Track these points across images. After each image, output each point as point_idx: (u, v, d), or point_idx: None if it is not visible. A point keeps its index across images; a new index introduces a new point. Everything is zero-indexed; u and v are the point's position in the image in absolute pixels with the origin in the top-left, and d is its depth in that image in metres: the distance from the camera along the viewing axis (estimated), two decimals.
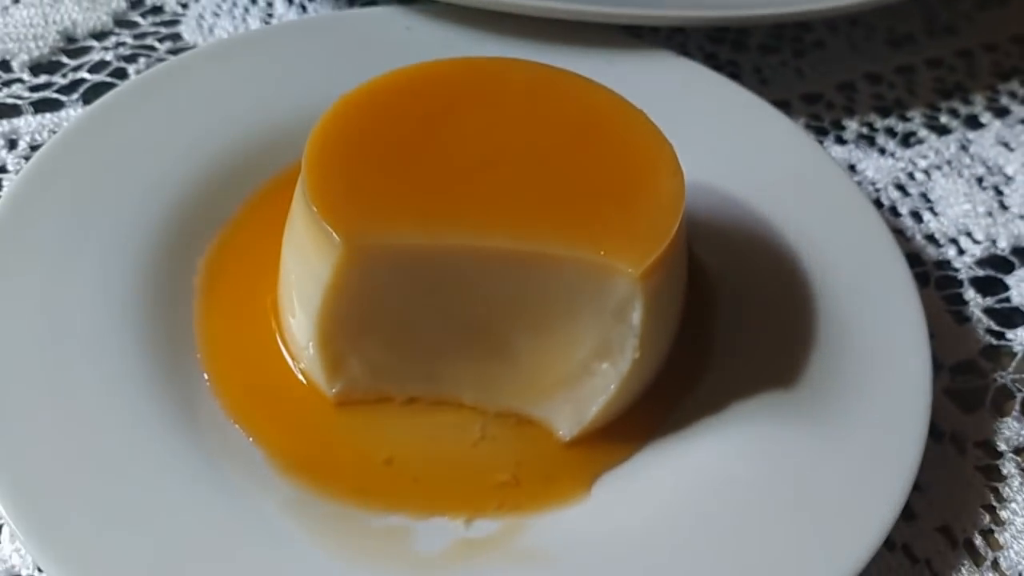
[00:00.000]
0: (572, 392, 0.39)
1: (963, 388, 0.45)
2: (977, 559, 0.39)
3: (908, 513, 0.39)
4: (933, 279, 0.50)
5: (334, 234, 0.36)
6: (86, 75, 0.54)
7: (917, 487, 0.39)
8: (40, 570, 0.36)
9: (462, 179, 0.38)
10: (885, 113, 0.58)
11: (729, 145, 0.49)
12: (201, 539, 0.34)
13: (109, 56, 0.55)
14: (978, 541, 0.39)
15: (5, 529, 0.37)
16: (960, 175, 0.55)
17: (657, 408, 0.41)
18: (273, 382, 0.40)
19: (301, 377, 0.40)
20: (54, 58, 0.55)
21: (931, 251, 0.51)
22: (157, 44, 0.57)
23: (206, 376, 0.40)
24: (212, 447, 0.37)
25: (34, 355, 0.38)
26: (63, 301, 0.40)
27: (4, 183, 0.49)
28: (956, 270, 0.50)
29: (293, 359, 0.41)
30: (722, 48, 0.61)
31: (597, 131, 0.41)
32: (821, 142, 0.55)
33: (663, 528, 0.37)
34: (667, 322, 0.40)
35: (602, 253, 0.36)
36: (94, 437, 0.36)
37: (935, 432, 0.42)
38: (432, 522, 0.36)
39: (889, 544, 0.38)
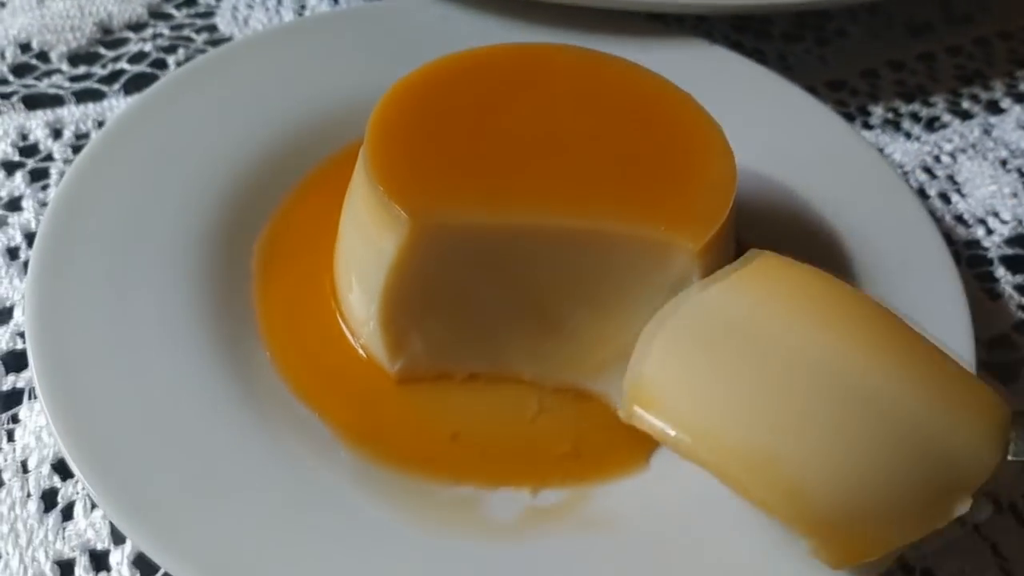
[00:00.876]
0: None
1: (999, 361, 0.46)
2: (1022, 521, 0.40)
3: None
4: (964, 258, 0.51)
5: (401, 212, 0.37)
6: (126, 66, 0.55)
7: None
8: (115, 543, 0.37)
9: (521, 159, 0.39)
10: (909, 99, 0.60)
11: (764, 129, 0.50)
12: (277, 511, 0.35)
13: (148, 47, 0.56)
14: (1022, 506, 0.41)
15: (78, 504, 0.37)
16: (984, 158, 0.57)
17: None
18: (335, 359, 0.41)
19: (361, 352, 0.41)
20: (92, 49, 0.56)
21: (961, 231, 0.53)
22: (194, 35, 0.57)
23: (268, 355, 0.41)
24: (280, 425, 0.38)
25: (103, 344, 0.38)
26: (124, 288, 0.40)
27: (52, 171, 0.49)
28: (986, 249, 0.52)
29: (353, 335, 0.42)
30: (746, 36, 0.63)
31: (648, 112, 0.42)
32: None
33: (722, 495, 0.37)
34: None
35: (662, 229, 0.37)
36: (168, 416, 0.37)
37: None
38: (500, 492, 0.37)
39: None
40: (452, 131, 0.39)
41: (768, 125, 0.50)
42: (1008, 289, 0.50)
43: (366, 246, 0.39)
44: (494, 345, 0.40)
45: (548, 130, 0.40)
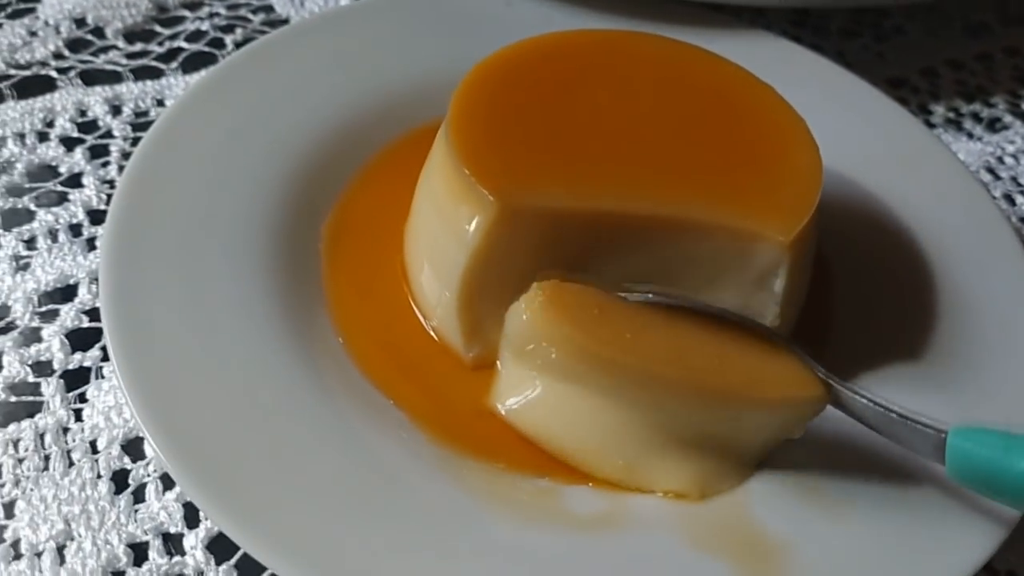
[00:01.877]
0: None
1: None
2: None
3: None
4: None
5: (486, 194, 0.36)
6: (183, 44, 0.54)
7: None
8: (189, 527, 0.36)
9: (605, 145, 0.38)
10: (969, 99, 0.59)
11: (835, 124, 0.49)
12: (354, 494, 0.34)
13: (205, 26, 0.55)
14: None
15: (150, 486, 0.37)
16: None
17: None
18: (406, 343, 0.40)
19: (434, 335, 0.40)
20: (148, 27, 0.55)
21: None
22: (250, 16, 0.57)
23: (340, 339, 0.40)
24: (353, 409, 0.37)
25: (176, 325, 0.37)
26: (196, 271, 0.39)
27: (112, 148, 0.48)
28: None
29: (425, 318, 0.41)
30: (804, 32, 0.62)
31: (730, 102, 0.41)
32: None
33: (794, 495, 0.37)
34: (802, 290, 0.41)
35: (750, 221, 0.37)
36: (242, 397, 0.36)
37: None
38: (579, 488, 0.37)
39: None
40: (535, 115, 0.39)
41: (837, 119, 0.49)
42: None
43: (444, 228, 0.39)
44: None
45: (630, 116, 0.40)
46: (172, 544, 0.35)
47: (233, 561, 0.35)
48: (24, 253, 0.43)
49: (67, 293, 0.42)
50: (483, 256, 0.37)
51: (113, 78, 0.52)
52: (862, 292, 0.44)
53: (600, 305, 0.36)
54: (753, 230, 0.37)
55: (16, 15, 0.54)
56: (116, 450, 0.38)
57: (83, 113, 0.50)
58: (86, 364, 0.40)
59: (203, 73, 0.47)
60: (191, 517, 0.36)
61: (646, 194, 0.37)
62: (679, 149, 0.39)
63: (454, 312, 0.39)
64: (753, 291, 0.38)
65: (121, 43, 0.54)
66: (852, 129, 0.49)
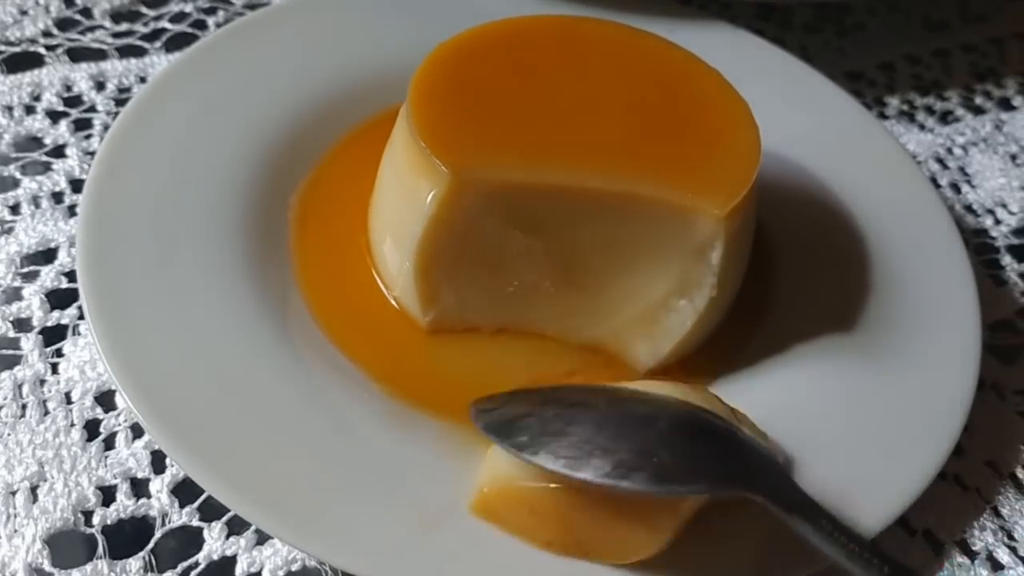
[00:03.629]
0: (651, 327, 0.42)
1: (1002, 344, 0.48)
2: (1021, 488, 0.42)
3: (958, 450, 0.42)
4: (972, 245, 0.53)
5: (442, 166, 0.38)
6: (167, 25, 0.57)
7: (965, 428, 0.42)
8: (155, 472, 0.38)
9: (557, 122, 0.41)
10: (924, 92, 0.62)
11: (787, 112, 0.52)
12: (311, 441, 0.37)
13: (188, 8, 0.58)
14: (1021, 474, 0.42)
15: (120, 435, 0.39)
16: (995, 152, 0.58)
17: (726, 347, 0.43)
18: (368, 309, 0.43)
19: (394, 303, 0.43)
20: (134, 8, 0.57)
21: (970, 220, 0.54)
22: None
23: (304, 302, 0.42)
24: (315, 365, 0.40)
25: (149, 287, 0.40)
26: (169, 236, 0.42)
27: (95, 122, 0.51)
28: (993, 238, 0.54)
29: (386, 287, 0.43)
30: (768, 26, 0.64)
31: (677, 85, 0.43)
32: None
33: None
34: (740, 264, 0.43)
35: (690, 195, 0.39)
36: (209, 353, 0.38)
37: (979, 381, 0.45)
38: None
39: (942, 475, 0.41)
40: (492, 92, 0.41)
41: (789, 108, 0.52)
42: (1013, 276, 0.52)
43: (404, 199, 0.41)
44: (523, 301, 0.42)
45: (583, 97, 0.42)
46: (139, 488, 0.38)
47: (196, 504, 0.37)
48: (8, 218, 0.46)
49: (48, 256, 0.45)
50: (438, 225, 0.39)
51: (98, 56, 0.54)
52: (803, 269, 0.46)
53: (530, 504, 0.34)
54: (691, 204, 0.39)
55: None
56: (89, 401, 0.40)
57: (69, 88, 0.52)
58: (63, 322, 0.42)
59: (183, 51, 0.49)
60: (158, 464, 0.38)
61: (593, 169, 0.39)
62: (626, 128, 0.41)
63: (411, 278, 0.41)
64: (693, 263, 0.40)
65: (108, 23, 0.56)
66: (801, 116, 0.52)
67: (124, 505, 0.37)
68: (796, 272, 0.46)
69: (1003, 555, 0.39)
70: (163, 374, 0.37)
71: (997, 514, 0.41)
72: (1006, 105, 0.62)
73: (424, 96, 0.41)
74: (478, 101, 0.41)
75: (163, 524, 0.37)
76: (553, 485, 0.34)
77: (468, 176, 0.38)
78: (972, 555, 0.39)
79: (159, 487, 0.38)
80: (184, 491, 0.38)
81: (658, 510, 0.34)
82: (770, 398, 0.41)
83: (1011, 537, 0.40)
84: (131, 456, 0.38)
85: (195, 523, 0.37)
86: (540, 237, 0.40)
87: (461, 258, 0.41)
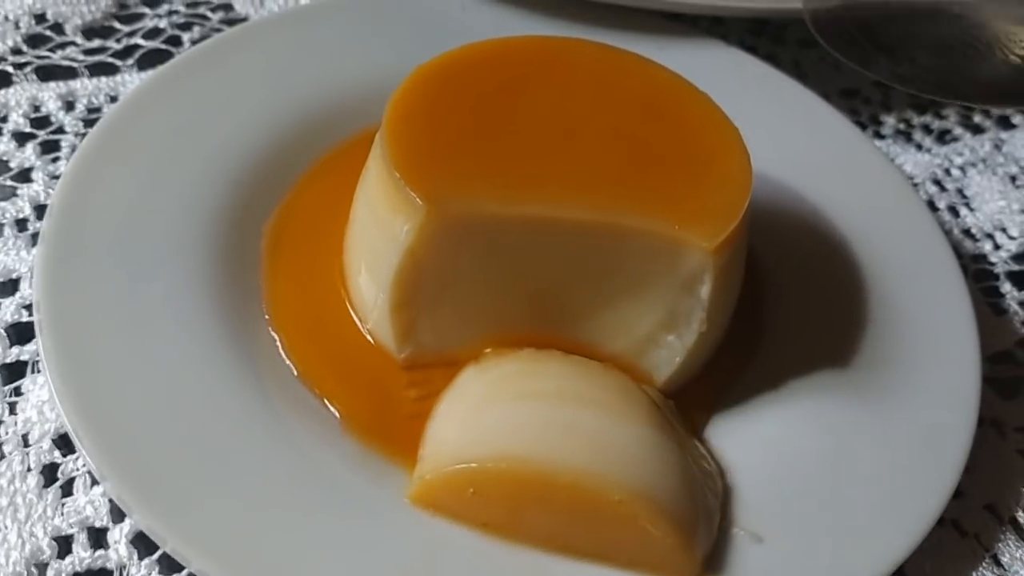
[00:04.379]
0: (638, 362, 0.40)
1: (1001, 377, 0.47)
2: (1022, 534, 0.40)
3: (956, 492, 0.40)
4: (971, 272, 0.51)
5: (418, 200, 0.37)
6: (140, 41, 0.55)
7: (964, 469, 0.40)
8: (114, 521, 0.36)
9: (538, 151, 0.39)
10: (921, 111, 0.60)
11: (778, 133, 0.50)
12: (276, 492, 0.35)
13: (163, 23, 0.56)
14: (1022, 518, 0.41)
15: (78, 480, 0.37)
16: (994, 173, 0.57)
17: (715, 383, 0.42)
18: (342, 343, 0.41)
19: (369, 338, 0.41)
20: (107, 23, 0.55)
21: (968, 245, 0.53)
22: (209, 14, 0.57)
23: (276, 337, 0.40)
24: (284, 407, 0.38)
25: (115, 319, 0.38)
26: (133, 267, 0.40)
27: (63, 144, 0.49)
28: (992, 264, 0.52)
29: (360, 320, 0.41)
30: (761, 41, 0.63)
31: (665, 110, 0.42)
32: None
33: (731, 499, 0.37)
34: (731, 296, 0.42)
35: (677, 227, 0.37)
36: (173, 394, 0.37)
37: (979, 419, 0.43)
38: None
39: (940, 519, 0.39)
40: (470, 120, 0.39)
41: (782, 130, 0.50)
42: (1013, 305, 0.50)
43: (379, 231, 0.39)
44: (503, 334, 0.40)
45: (566, 123, 0.40)
46: (97, 538, 0.36)
47: (156, 556, 0.35)
48: None
49: (10, 287, 0.43)
50: (414, 258, 0.38)
51: (68, 74, 0.52)
52: (796, 299, 0.45)
53: (475, 484, 0.34)
54: (679, 236, 0.37)
55: None
56: (47, 444, 0.38)
57: (37, 108, 0.50)
58: (23, 358, 0.41)
59: (155, 70, 0.47)
60: (117, 511, 0.36)
61: (575, 199, 0.38)
62: (611, 156, 0.39)
63: (387, 313, 0.39)
64: (681, 297, 0.39)
65: (79, 39, 0.54)
66: (793, 137, 0.50)
67: (80, 557, 0.35)
68: (788, 301, 0.45)
69: None
70: (122, 417, 0.35)
71: (997, 563, 0.39)
72: (1005, 124, 0.60)
73: (400, 123, 0.39)
74: (456, 128, 0.39)
75: None
76: (498, 464, 0.34)
77: (444, 209, 0.37)
78: None
79: (117, 537, 0.36)
80: (144, 542, 0.36)
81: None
82: (762, 437, 0.40)
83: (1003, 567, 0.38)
84: (89, 504, 0.37)
85: None
86: (520, 270, 0.39)
87: (438, 291, 0.39)
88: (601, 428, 0.35)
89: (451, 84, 0.40)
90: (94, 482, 0.37)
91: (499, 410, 0.36)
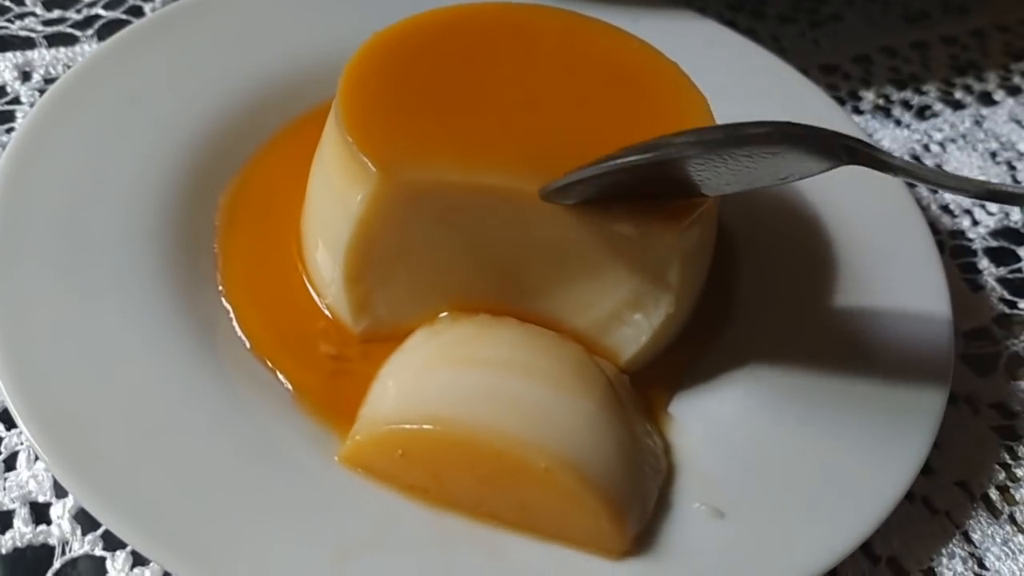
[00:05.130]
0: (602, 339, 0.39)
1: (977, 353, 0.46)
2: (994, 512, 0.39)
3: (927, 468, 0.40)
4: (948, 248, 0.50)
5: (371, 166, 0.35)
6: (101, 11, 0.53)
7: (935, 445, 0.39)
8: (57, 496, 0.35)
9: (498, 120, 0.38)
10: (901, 86, 0.59)
11: (752, 105, 0.48)
12: (224, 468, 0.34)
13: None
14: (994, 495, 0.40)
15: (22, 455, 0.36)
16: (974, 149, 0.56)
17: (683, 359, 0.41)
18: (298, 318, 0.40)
19: (327, 312, 0.40)
20: None
21: (946, 221, 0.52)
22: None
23: (230, 311, 0.39)
24: (237, 382, 0.37)
25: (59, 291, 0.37)
26: (83, 237, 0.39)
27: (18, 115, 0.48)
28: (970, 240, 0.51)
29: (319, 295, 0.40)
30: (740, 16, 0.61)
31: (631, 81, 0.41)
32: None
33: (693, 474, 0.36)
34: (700, 277, 0.40)
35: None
36: (120, 367, 0.35)
37: (951, 395, 0.42)
38: None
39: (909, 496, 0.38)
40: (428, 87, 0.38)
41: (756, 103, 0.49)
42: (991, 281, 0.49)
43: (334, 201, 0.38)
44: (461, 306, 0.39)
45: (527, 93, 0.39)
46: (39, 513, 0.35)
47: (99, 532, 0.34)
48: None
49: None
50: (367, 227, 0.37)
51: (26, 44, 0.51)
52: (767, 273, 0.44)
53: (404, 446, 0.33)
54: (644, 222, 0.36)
55: None
56: None
57: None
58: None
59: (109, 39, 0.46)
60: (60, 486, 0.35)
61: (534, 171, 0.36)
62: (575, 127, 0.38)
63: (342, 285, 0.38)
64: (648, 278, 0.37)
65: (39, 9, 0.53)
66: (768, 110, 0.48)
67: (22, 532, 0.34)
68: (759, 276, 0.44)
69: None
70: (65, 392, 0.34)
71: (968, 540, 0.38)
72: (987, 99, 0.59)
73: (355, 89, 0.38)
74: (413, 95, 0.38)
75: (64, 553, 0.34)
76: (428, 427, 0.33)
77: (398, 176, 0.36)
78: None
79: (60, 512, 0.35)
80: (87, 517, 0.35)
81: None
82: (728, 411, 0.39)
83: (982, 566, 0.37)
84: (32, 478, 0.36)
85: (98, 552, 0.34)
86: (478, 242, 0.37)
87: (393, 263, 0.38)
88: (541, 398, 0.34)
89: (409, 50, 0.39)
90: (37, 456, 0.36)
91: (441, 374, 0.35)
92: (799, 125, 0.31)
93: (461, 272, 0.38)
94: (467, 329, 0.37)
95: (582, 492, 0.32)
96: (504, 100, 0.38)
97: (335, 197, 0.38)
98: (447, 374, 0.35)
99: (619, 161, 0.33)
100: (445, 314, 0.38)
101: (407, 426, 0.33)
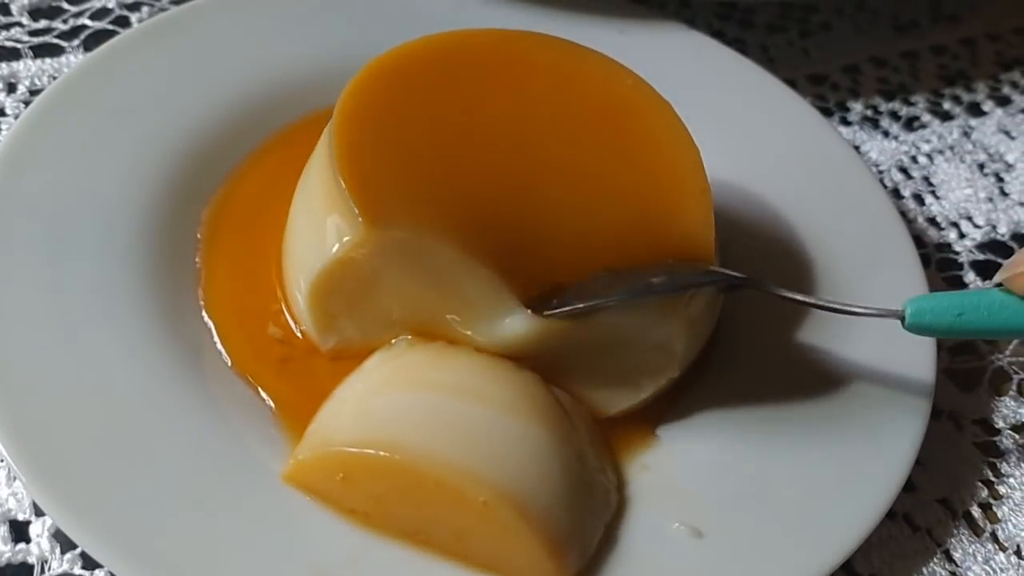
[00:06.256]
0: (593, 393, 0.38)
1: (961, 368, 0.46)
2: (976, 530, 0.39)
3: (909, 485, 0.40)
4: (934, 261, 0.50)
5: (358, 215, 0.35)
6: (87, 22, 0.53)
7: (917, 461, 0.39)
8: (37, 515, 0.35)
9: (490, 191, 0.37)
10: (889, 97, 0.59)
11: (738, 119, 0.49)
12: (201, 482, 0.34)
13: (111, 3, 0.54)
14: (976, 513, 0.40)
15: (1, 472, 0.36)
16: (962, 160, 0.56)
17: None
18: (275, 333, 0.40)
19: (299, 334, 0.40)
20: (54, 3, 0.54)
21: (932, 233, 0.52)
22: None
23: (211, 325, 0.39)
24: (217, 395, 0.37)
25: (38, 305, 0.37)
26: (64, 249, 0.39)
27: (3, 127, 0.48)
28: (957, 253, 0.51)
29: (295, 321, 0.40)
30: (729, 25, 0.61)
31: (623, 125, 0.39)
32: None
33: (673, 493, 0.36)
34: (704, 335, 0.40)
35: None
36: (99, 382, 0.35)
37: (934, 410, 0.42)
38: None
39: (891, 514, 0.38)
40: (422, 130, 0.37)
41: (743, 115, 0.49)
42: None
43: (313, 229, 0.38)
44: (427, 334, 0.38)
45: (520, 143, 0.38)
46: (19, 531, 0.35)
47: (78, 551, 0.34)
48: None
49: None
50: (343, 268, 0.36)
51: (12, 55, 0.51)
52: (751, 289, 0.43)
53: (345, 469, 0.33)
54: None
55: None
56: None
57: None
58: None
59: (94, 51, 0.46)
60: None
61: (524, 280, 0.35)
62: (568, 202, 0.37)
63: (307, 308, 0.38)
64: (653, 349, 0.37)
65: (25, 19, 0.53)
66: (753, 124, 0.49)
67: (1, 551, 0.34)
68: (744, 292, 0.43)
69: None
70: (41, 409, 0.34)
71: (949, 558, 0.38)
72: (975, 110, 0.59)
73: (349, 125, 0.37)
74: (407, 139, 0.37)
75: (43, 571, 0.34)
76: (368, 451, 0.33)
77: (385, 232, 0.35)
78: None
79: (39, 531, 0.35)
80: (66, 536, 0.34)
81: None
82: (707, 429, 0.39)
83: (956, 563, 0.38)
84: (11, 496, 0.36)
85: (76, 571, 0.34)
86: (456, 291, 0.36)
87: (362, 296, 0.37)
88: (488, 426, 0.33)
89: (405, 85, 0.38)
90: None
91: (390, 397, 0.35)
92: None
93: (440, 310, 0.37)
94: (422, 354, 0.36)
95: (521, 527, 0.32)
96: (498, 155, 0.37)
97: (315, 226, 0.38)
98: (395, 397, 0.34)
99: (607, 299, 0.35)
100: (405, 337, 0.37)
101: (348, 449, 0.33)
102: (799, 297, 0.37)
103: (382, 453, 0.33)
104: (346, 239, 0.35)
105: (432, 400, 0.34)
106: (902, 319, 0.35)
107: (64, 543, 0.35)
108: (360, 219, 0.35)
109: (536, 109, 0.39)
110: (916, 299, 0.35)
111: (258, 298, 0.41)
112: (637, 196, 0.38)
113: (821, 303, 0.37)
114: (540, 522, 0.32)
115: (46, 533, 0.35)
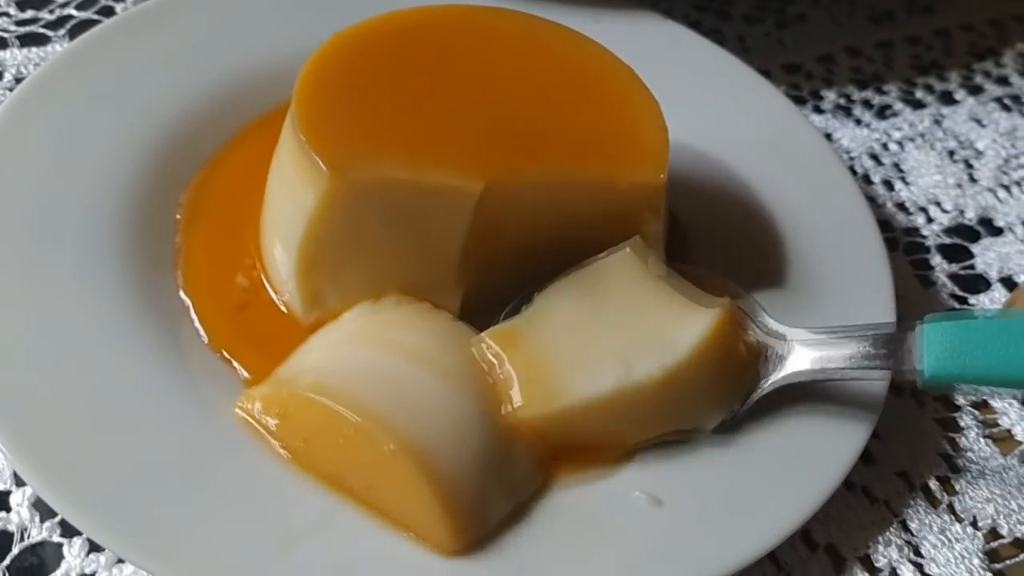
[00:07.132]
0: None
1: None
2: (933, 502, 0.40)
3: (869, 458, 0.41)
4: (902, 244, 0.51)
5: (322, 166, 0.36)
6: (73, 11, 0.54)
7: (877, 435, 0.40)
8: (17, 485, 0.36)
9: (448, 121, 0.39)
10: (863, 86, 0.60)
11: (710, 106, 0.50)
12: (177, 452, 0.35)
13: None
14: (934, 486, 0.41)
15: None
16: (932, 148, 0.57)
17: None
18: (256, 313, 0.41)
19: (283, 308, 0.41)
20: None
21: (901, 218, 0.53)
22: None
23: (190, 305, 0.40)
24: (195, 372, 0.38)
25: (20, 284, 0.38)
26: (46, 232, 0.40)
27: None
28: (924, 237, 0.52)
29: (276, 292, 0.41)
30: (706, 16, 0.62)
31: (585, 84, 0.41)
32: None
33: (634, 463, 0.37)
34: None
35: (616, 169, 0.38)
36: (78, 361, 0.36)
37: (896, 386, 0.43)
38: None
39: (850, 486, 0.40)
40: (383, 88, 0.39)
41: (712, 101, 0.50)
42: (942, 277, 0.50)
43: (289, 198, 0.39)
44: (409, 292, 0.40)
45: (480, 94, 0.40)
46: None
47: (57, 519, 0.35)
48: None
49: None
50: (319, 224, 0.38)
51: None
52: (712, 264, 0.44)
53: (282, 406, 0.35)
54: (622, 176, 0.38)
55: None
56: None
57: None
58: None
59: (75, 40, 0.47)
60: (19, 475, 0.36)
61: (482, 170, 0.37)
62: (527, 128, 0.39)
63: (294, 277, 0.39)
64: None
65: (12, 9, 0.54)
66: (723, 110, 0.50)
67: None
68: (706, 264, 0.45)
69: (907, 572, 0.38)
70: (21, 382, 0.35)
71: (905, 528, 0.39)
72: (947, 99, 0.60)
73: (311, 89, 0.39)
74: (367, 96, 0.39)
75: (22, 539, 0.35)
76: (300, 392, 0.35)
77: (348, 175, 0.36)
78: (875, 572, 0.38)
79: (20, 500, 0.36)
80: (45, 505, 0.35)
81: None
82: None
83: (918, 553, 0.38)
84: None
85: (55, 539, 0.35)
86: (428, 236, 0.38)
87: (344, 256, 0.39)
88: (423, 389, 0.35)
89: (367, 51, 0.40)
90: None
91: (351, 349, 0.36)
92: None
93: (414, 265, 0.39)
94: (395, 314, 0.38)
95: (420, 481, 0.33)
96: (457, 101, 0.39)
97: (290, 195, 0.39)
98: (355, 350, 0.36)
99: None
100: (393, 296, 0.39)
101: (286, 388, 0.35)
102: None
103: (310, 394, 0.34)
104: (316, 193, 0.37)
105: (386, 359, 0.35)
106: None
107: (44, 512, 0.36)
108: (324, 168, 0.36)
109: (498, 69, 0.41)
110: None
111: (238, 278, 0.42)
112: (595, 124, 0.40)
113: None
114: (442, 482, 0.33)
115: (26, 502, 0.36)
